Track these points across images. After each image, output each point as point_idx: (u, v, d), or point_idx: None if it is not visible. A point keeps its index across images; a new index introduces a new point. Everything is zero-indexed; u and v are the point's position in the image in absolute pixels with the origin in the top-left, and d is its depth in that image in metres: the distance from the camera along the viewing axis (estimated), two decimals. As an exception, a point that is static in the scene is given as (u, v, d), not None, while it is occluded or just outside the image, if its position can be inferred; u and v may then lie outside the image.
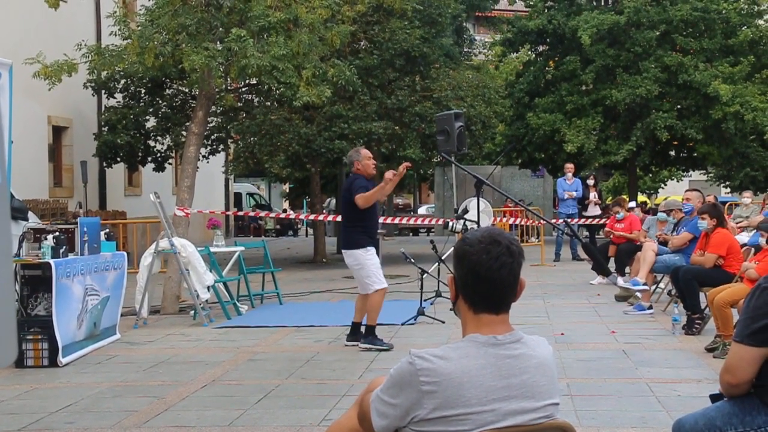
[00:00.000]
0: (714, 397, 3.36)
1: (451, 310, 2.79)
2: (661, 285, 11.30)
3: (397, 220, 20.54)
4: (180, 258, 10.25)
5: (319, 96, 12.45)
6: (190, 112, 17.10)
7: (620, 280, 11.90)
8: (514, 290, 2.62)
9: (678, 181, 38.61)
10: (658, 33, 23.16)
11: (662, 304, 10.69)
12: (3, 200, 2.03)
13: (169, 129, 18.51)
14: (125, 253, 9.71)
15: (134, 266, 12.62)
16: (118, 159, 18.86)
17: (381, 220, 17.26)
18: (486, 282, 2.58)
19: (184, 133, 17.29)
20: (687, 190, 11.23)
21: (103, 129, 18.94)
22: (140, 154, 18.91)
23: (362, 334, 8.39)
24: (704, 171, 30.40)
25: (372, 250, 8.30)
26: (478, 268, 2.57)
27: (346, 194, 8.44)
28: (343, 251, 8.51)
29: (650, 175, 34.84)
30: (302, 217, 20.38)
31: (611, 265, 12.95)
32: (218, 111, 18.25)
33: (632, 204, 15.20)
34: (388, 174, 8.18)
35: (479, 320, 2.62)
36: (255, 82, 16.16)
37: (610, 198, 27.86)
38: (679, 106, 23.17)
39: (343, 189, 8.87)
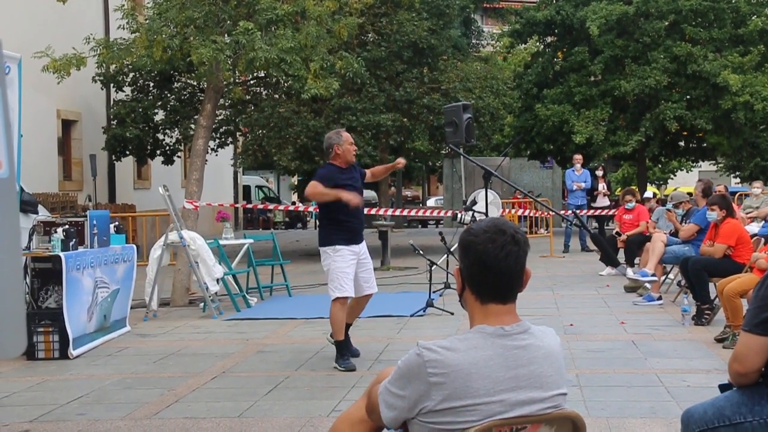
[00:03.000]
0: (723, 387, 3.36)
1: (459, 301, 2.79)
2: (671, 276, 11.28)
3: (405, 212, 20.55)
4: (189, 251, 10.28)
5: (327, 88, 12.45)
6: (198, 105, 17.13)
7: (630, 271, 11.88)
8: (520, 279, 2.63)
9: (687, 172, 38.49)
10: (667, 23, 23.07)
11: (672, 294, 10.67)
12: (12, 194, 2.05)
13: (178, 122, 18.54)
14: (135, 246, 9.74)
15: (144, 259, 12.66)
16: (127, 152, 18.91)
17: (390, 212, 17.36)
18: (492, 271, 2.58)
19: (192, 126, 17.32)
20: (698, 180, 11.20)
21: (111, 122, 18.98)
22: (149, 147, 18.95)
23: (336, 347, 7.36)
24: (714, 161, 30.31)
25: (343, 249, 7.12)
26: (484, 257, 2.58)
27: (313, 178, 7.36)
28: (319, 249, 7.38)
29: (660, 165, 34.75)
30: (311, 209, 20.37)
31: (620, 256, 12.94)
32: (226, 104, 18.26)
33: (649, 194, 15.13)
34: (357, 200, 7.12)
35: (486, 311, 2.62)
36: (263, 74, 16.17)
37: (620, 189, 27.81)
38: (688, 97, 23.07)
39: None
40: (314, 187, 7.12)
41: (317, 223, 33.63)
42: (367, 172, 7.71)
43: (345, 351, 7.30)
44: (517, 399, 2.55)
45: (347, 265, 7.16)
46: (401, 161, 8.02)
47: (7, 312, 1.90)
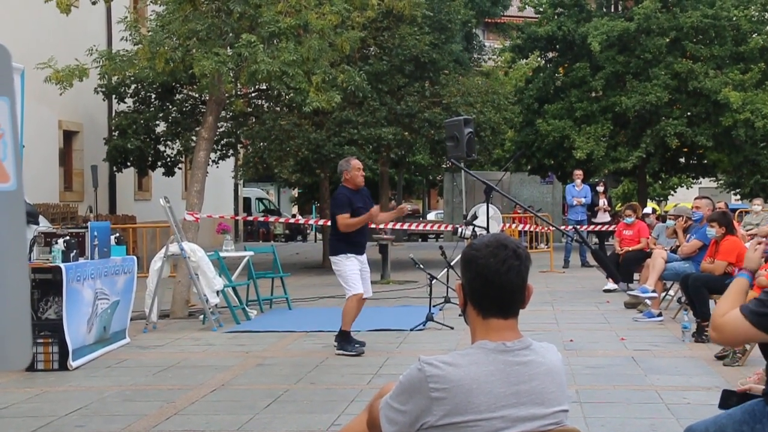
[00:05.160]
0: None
1: (460, 316, 2.79)
2: (671, 292, 11.27)
3: (406, 226, 20.54)
4: (189, 262, 10.27)
5: (329, 101, 12.47)
6: (200, 117, 17.14)
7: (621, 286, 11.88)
8: (522, 294, 2.63)
9: (688, 188, 38.51)
10: (668, 40, 23.12)
11: (672, 311, 10.66)
12: (20, 206, 2.05)
13: (179, 134, 18.56)
14: (135, 258, 9.74)
15: (144, 270, 12.65)
16: (128, 163, 18.93)
17: (390, 225, 17.37)
18: (494, 286, 2.59)
19: (194, 138, 17.34)
20: (697, 198, 11.21)
21: (113, 134, 19.00)
22: (150, 158, 18.97)
23: (341, 337, 8.51)
24: (714, 178, 30.31)
25: (352, 257, 8.38)
26: (486, 271, 2.58)
27: (332, 205, 8.68)
28: (330, 258, 8.65)
29: (660, 182, 34.76)
30: (311, 222, 20.39)
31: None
32: (228, 116, 18.29)
33: (648, 210, 15.10)
34: (375, 210, 8.43)
35: (488, 326, 2.62)
36: (265, 87, 16.22)
37: (620, 205, 27.82)
38: (689, 113, 23.11)
39: (331, 200, 9.11)
40: (344, 221, 8.33)
41: (317, 236, 33.61)
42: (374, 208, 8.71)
43: (351, 340, 8.44)
44: (518, 415, 2.55)
45: (356, 268, 8.39)
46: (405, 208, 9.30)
47: (14, 323, 1.91)
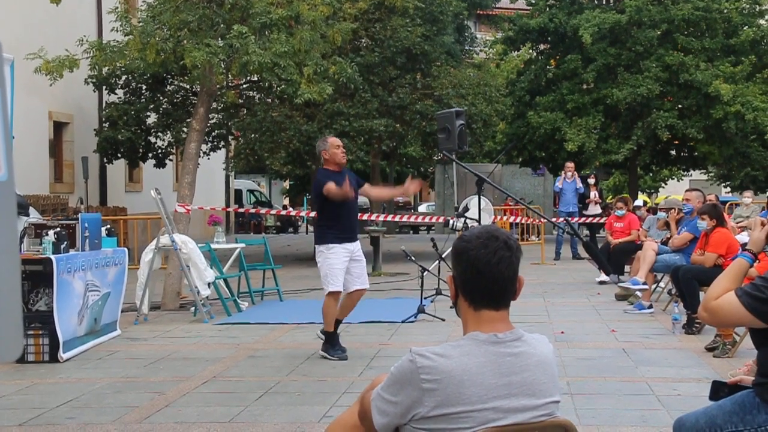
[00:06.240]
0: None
1: (451, 308, 2.80)
2: (662, 284, 11.31)
3: (397, 218, 20.54)
4: (181, 254, 10.26)
5: (321, 93, 12.45)
6: (191, 109, 17.10)
7: (614, 278, 11.92)
8: (513, 285, 2.63)
9: (678, 181, 38.62)
10: (659, 32, 23.15)
11: (662, 303, 10.70)
12: (11, 197, 2.04)
13: (170, 125, 18.51)
14: (126, 249, 9.72)
15: (135, 262, 12.63)
16: (119, 155, 18.87)
17: (381, 217, 17.39)
18: (485, 277, 2.59)
19: (185, 129, 17.30)
20: (687, 190, 11.24)
21: (103, 125, 18.94)
22: (141, 150, 18.91)
23: (326, 338, 7.85)
24: (705, 170, 30.40)
25: (336, 248, 7.61)
26: (477, 263, 2.58)
27: (313, 189, 7.99)
28: (315, 247, 7.90)
29: (651, 174, 34.84)
30: (302, 214, 20.36)
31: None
32: (219, 107, 18.24)
33: (639, 203, 15.13)
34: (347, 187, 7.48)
35: (480, 317, 2.63)
36: (256, 78, 16.17)
37: (611, 197, 27.88)
38: (680, 106, 23.16)
39: (312, 184, 8.40)
40: (330, 186, 7.48)
41: (308, 228, 33.59)
42: (367, 185, 8.20)
43: (335, 343, 7.79)
44: (510, 406, 2.55)
45: (339, 262, 7.63)
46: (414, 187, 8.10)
47: (5, 316, 1.90)
